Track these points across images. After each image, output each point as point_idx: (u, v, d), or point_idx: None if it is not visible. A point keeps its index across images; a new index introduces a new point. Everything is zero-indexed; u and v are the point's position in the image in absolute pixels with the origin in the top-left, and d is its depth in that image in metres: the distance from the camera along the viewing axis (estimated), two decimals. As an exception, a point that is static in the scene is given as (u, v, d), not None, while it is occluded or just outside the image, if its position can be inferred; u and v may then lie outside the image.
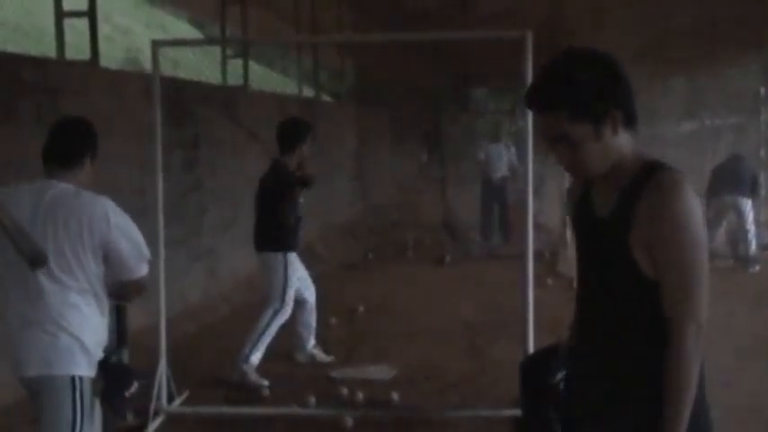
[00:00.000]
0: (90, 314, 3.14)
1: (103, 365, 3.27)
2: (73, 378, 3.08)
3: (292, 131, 6.01)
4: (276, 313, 5.84)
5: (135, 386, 3.54)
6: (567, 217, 2.41)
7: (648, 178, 2.04)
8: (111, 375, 3.37)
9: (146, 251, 3.23)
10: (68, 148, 3.23)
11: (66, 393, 3.07)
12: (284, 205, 5.79)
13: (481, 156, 12.92)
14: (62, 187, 3.15)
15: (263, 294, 6.04)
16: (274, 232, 5.86)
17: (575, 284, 2.40)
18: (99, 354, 3.21)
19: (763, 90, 14.30)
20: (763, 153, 14.08)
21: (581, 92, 2.03)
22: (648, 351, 2.03)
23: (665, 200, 1.99)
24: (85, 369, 3.13)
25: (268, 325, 5.82)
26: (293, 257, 5.95)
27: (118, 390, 3.43)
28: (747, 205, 10.33)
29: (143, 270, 3.25)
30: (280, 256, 5.86)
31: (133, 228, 3.18)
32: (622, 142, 2.09)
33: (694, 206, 2.00)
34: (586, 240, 2.23)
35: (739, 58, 14.65)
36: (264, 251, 5.94)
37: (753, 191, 10.49)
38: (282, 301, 5.85)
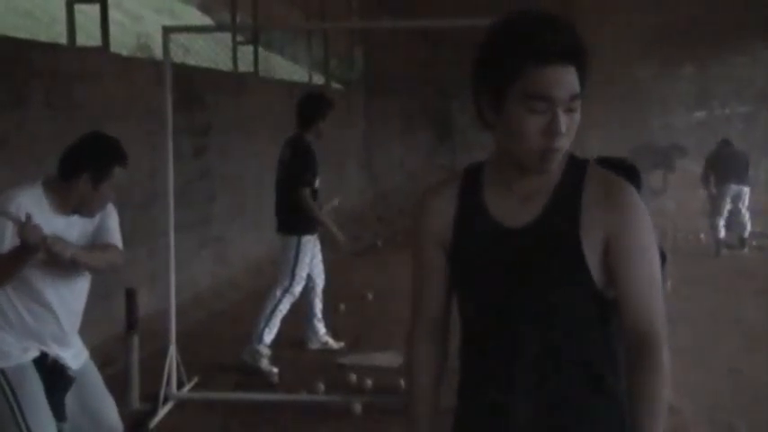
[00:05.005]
0: None
1: (39, 364, 3.09)
2: None
3: (313, 105, 5.80)
4: (285, 291, 5.74)
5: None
6: (424, 240, 2.06)
7: (583, 172, 1.76)
8: (52, 376, 3.13)
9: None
10: (62, 158, 3.09)
11: None
12: (302, 187, 5.66)
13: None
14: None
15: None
16: (290, 215, 5.76)
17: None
18: (19, 344, 3.05)
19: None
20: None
21: (586, 50, 1.69)
22: (605, 365, 1.78)
23: (621, 193, 1.73)
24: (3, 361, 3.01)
25: (277, 304, 5.73)
26: (307, 241, 5.82)
27: (57, 390, 3.14)
28: (747, 192, 10.95)
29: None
30: (294, 238, 5.77)
31: None
32: None
33: (642, 203, 1.75)
34: (489, 261, 1.79)
35: (749, 46, 14.59)
36: (280, 233, 5.85)
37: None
38: (292, 279, 5.76)
